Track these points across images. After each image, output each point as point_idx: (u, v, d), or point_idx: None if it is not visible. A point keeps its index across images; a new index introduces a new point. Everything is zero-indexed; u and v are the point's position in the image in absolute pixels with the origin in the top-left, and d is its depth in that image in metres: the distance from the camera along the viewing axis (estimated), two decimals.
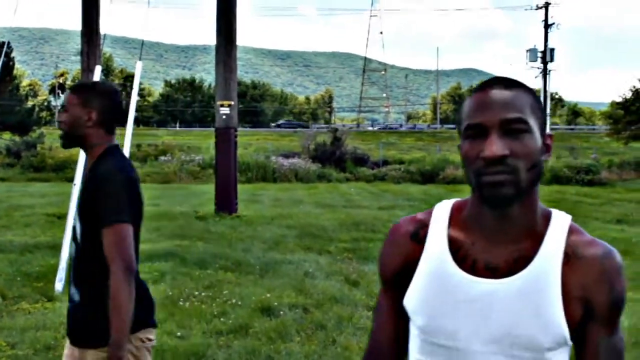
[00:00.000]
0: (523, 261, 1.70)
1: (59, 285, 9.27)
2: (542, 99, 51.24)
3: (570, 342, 1.70)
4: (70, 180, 14.18)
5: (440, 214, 1.84)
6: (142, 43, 18.60)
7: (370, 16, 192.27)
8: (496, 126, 1.65)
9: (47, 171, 36.28)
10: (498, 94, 1.69)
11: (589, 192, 29.24)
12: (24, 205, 20.43)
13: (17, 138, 45.32)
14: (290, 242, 13.78)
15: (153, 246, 12.62)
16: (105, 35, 18.75)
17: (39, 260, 11.23)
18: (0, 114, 44.81)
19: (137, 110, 12.53)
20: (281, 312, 8.11)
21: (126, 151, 12.31)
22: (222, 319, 7.82)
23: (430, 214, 1.87)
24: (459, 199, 1.89)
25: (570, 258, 1.70)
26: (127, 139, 12.44)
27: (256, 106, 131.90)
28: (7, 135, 47.23)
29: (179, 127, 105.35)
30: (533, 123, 1.68)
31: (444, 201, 1.88)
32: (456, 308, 1.73)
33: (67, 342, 3.26)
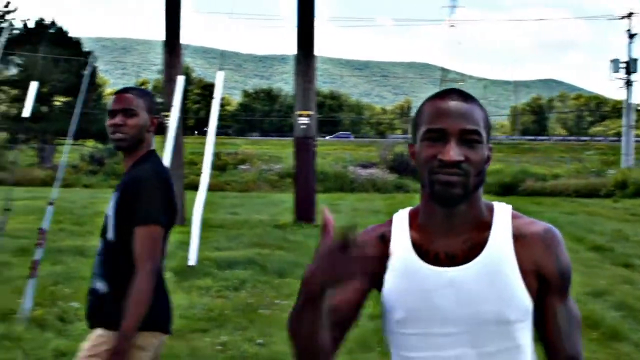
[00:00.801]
0: (478, 247, 1.93)
1: None
2: (625, 110, 50.21)
3: (531, 313, 1.93)
4: None
5: (400, 220, 2.08)
6: (222, 53, 18.84)
7: (449, 26, 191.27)
8: (456, 134, 1.88)
9: None
10: (459, 105, 1.93)
11: None
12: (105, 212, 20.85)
13: (100, 145, 46.36)
14: None
15: (233, 254, 12.76)
16: (187, 45, 19.08)
17: None
18: (84, 122, 45.96)
19: (217, 120, 12.69)
20: (360, 322, 8.08)
21: (207, 160, 12.52)
22: None
23: (390, 222, 2.11)
24: (412, 207, 2.11)
25: (518, 238, 1.94)
26: (208, 148, 12.64)
27: (334, 116, 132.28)
28: (90, 143, 48.36)
29: (258, 136, 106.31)
30: (484, 135, 1.94)
31: (400, 210, 2.12)
32: (427, 297, 1.92)
33: (92, 331, 3.42)
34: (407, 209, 2.11)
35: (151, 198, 3.27)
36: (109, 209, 3.35)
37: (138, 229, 3.23)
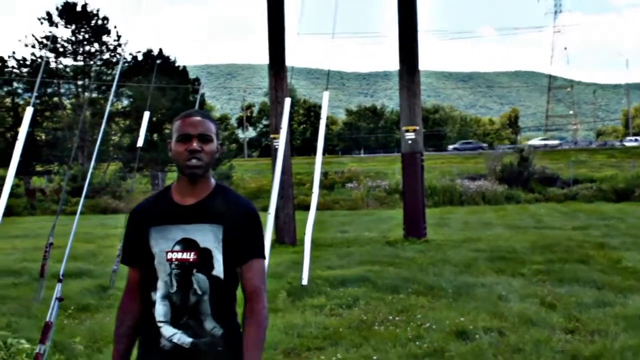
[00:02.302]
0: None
1: None
2: None
3: None
4: (262, 209, 14.62)
5: None
6: (329, 73, 19.04)
7: (554, 32, 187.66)
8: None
9: None
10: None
11: None
12: None
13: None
14: (481, 265, 13.61)
15: (344, 272, 12.83)
16: (292, 67, 19.34)
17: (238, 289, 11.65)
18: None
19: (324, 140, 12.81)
20: (477, 336, 8.02)
21: (316, 179, 12.65)
22: (417, 343, 7.83)
23: None
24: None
25: None
26: (317, 167, 12.77)
27: (439, 130, 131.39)
28: None
29: (363, 153, 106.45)
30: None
31: None
32: None
33: None
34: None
35: (261, 232, 3.22)
36: (209, 242, 3.11)
37: (257, 262, 3.17)
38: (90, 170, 11.45)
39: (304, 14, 18.82)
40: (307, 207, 12.58)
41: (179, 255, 3.08)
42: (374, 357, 7.35)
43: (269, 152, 17.71)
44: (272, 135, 18.60)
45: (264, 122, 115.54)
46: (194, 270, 3.08)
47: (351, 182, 40.72)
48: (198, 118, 3.18)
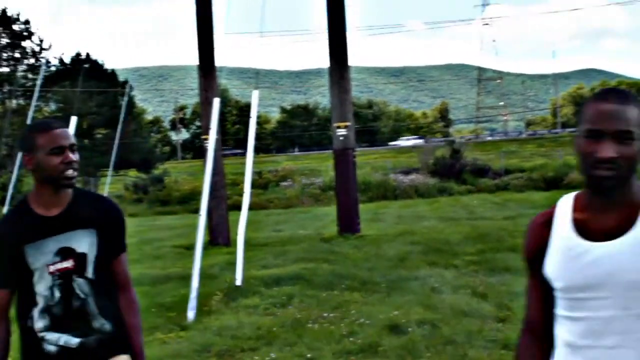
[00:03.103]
0: (630, 224, 2.26)
1: (191, 314, 9.51)
2: None
3: None
4: (196, 211, 14.53)
5: (564, 204, 2.43)
6: (258, 72, 18.96)
7: (482, 24, 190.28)
8: (611, 134, 2.20)
9: (173, 204, 37.35)
10: (616, 108, 2.23)
11: None
12: (153, 239, 21.08)
13: (143, 175, 46.88)
14: (415, 259, 13.71)
15: (279, 270, 12.80)
16: (221, 68, 19.24)
17: (170, 291, 11.57)
18: (125, 152, 46.50)
19: (256, 139, 12.76)
20: (409, 329, 8.07)
21: (247, 179, 12.59)
22: (351, 339, 7.85)
23: (556, 206, 2.46)
24: (578, 191, 2.44)
25: None
26: (248, 167, 12.72)
27: (372, 125, 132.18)
28: (132, 173, 48.91)
29: (298, 151, 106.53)
30: (637, 133, 2.22)
31: (566, 195, 2.47)
32: (584, 269, 2.28)
33: None
34: (573, 193, 2.46)
35: (126, 226, 3.44)
36: (84, 247, 3.18)
37: (123, 255, 3.39)
38: (14, 178, 11.25)
39: (232, 13, 18.76)
40: (241, 208, 12.50)
41: (60, 266, 3.11)
42: (308, 355, 7.35)
43: (203, 153, 17.60)
44: (203, 137, 18.45)
45: (197, 123, 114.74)
46: (74, 276, 3.15)
47: (285, 181, 40.69)
48: (65, 130, 3.17)
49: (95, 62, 55.99)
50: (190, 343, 8.12)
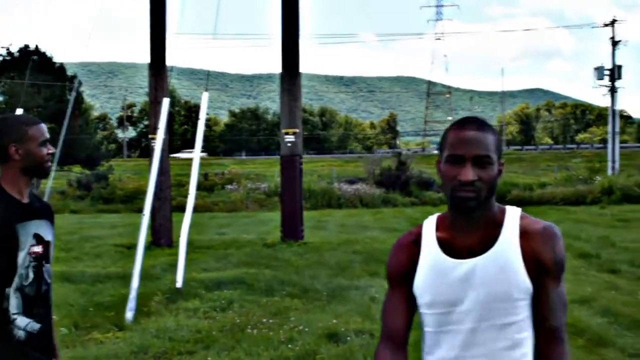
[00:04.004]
0: (491, 242, 2.44)
1: (129, 314, 9.44)
2: (610, 116, 50.40)
3: (531, 293, 2.42)
4: (139, 211, 14.42)
5: (429, 224, 2.59)
6: (208, 74, 18.89)
7: (435, 39, 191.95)
8: (471, 159, 2.38)
9: (116, 202, 36.94)
10: (476, 135, 2.41)
11: None
12: (94, 237, 20.85)
13: (87, 171, 46.29)
14: (356, 268, 13.78)
15: (220, 274, 12.77)
16: (172, 67, 19.12)
17: (109, 290, 11.46)
18: (71, 148, 45.86)
19: (203, 141, 12.72)
20: (348, 338, 8.12)
21: (193, 181, 12.53)
22: (289, 346, 7.87)
23: (421, 226, 2.61)
24: (440, 213, 2.62)
25: (523, 234, 2.44)
26: (194, 168, 12.66)
27: (319, 134, 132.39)
28: (77, 169, 48.28)
29: (245, 155, 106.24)
30: (494, 157, 2.42)
31: (430, 216, 2.64)
32: (451, 284, 2.44)
33: None
34: (436, 215, 2.63)
35: None
36: (49, 236, 3.39)
37: None
38: None
39: (186, 13, 18.65)
40: (185, 209, 12.43)
41: (35, 249, 3.28)
42: None
43: (149, 152, 17.50)
44: (150, 136, 18.32)
45: (145, 122, 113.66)
46: (44, 262, 3.32)
47: (231, 184, 40.53)
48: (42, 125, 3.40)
49: (43, 54, 55.17)
50: (127, 344, 8.05)
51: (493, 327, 2.41)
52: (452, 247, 2.48)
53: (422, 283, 2.50)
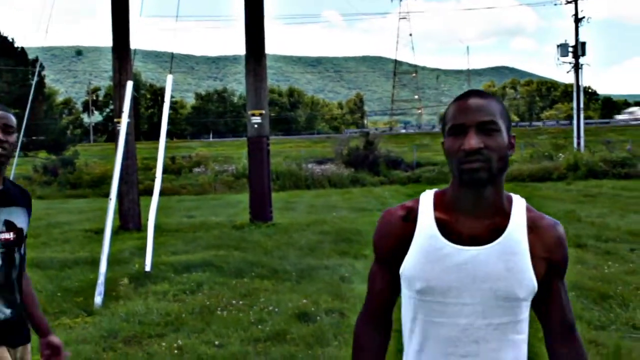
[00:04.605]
0: (497, 231, 2.21)
1: (98, 299, 9.39)
2: (575, 93, 50.79)
3: (534, 293, 2.23)
4: (107, 195, 14.33)
5: (426, 199, 2.33)
6: (172, 56, 18.77)
7: (400, 18, 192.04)
8: (474, 126, 2.14)
9: (83, 187, 36.68)
10: (475, 101, 2.19)
11: (627, 185, 28.93)
12: (62, 222, 20.70)
13: (52, 156, 45.86)
14: (325, 248, 13.81)
15: (190, 257, 12.74)
16: (135, 50, 18.96)
17: (78, 276, 11.39)
18: (35, 133, 45.31)
19: (170, 124, 12.65)
20: (318, 318, 8.14)
21: (159, 164, 12.48)
22: (259, 327, 7.88)
23: (417, 201, 2.35)
24: (437, 189, 2.37)
25: (532, 229, 2.24)
26: (160, 152, 12.60)
27: (288, 114, 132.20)
28: (42, 154, 47.82)
29: (212, 138, 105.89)
30: (502, 125, 2.18)
31: (427, 191, 2.37)
32: (448, 272, 2.20)
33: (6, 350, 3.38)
34: (433, 191, 2.37)
35: None
36: (22, 223, 3.35)
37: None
38: None
39: None
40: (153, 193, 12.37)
41: (5, 236, 3.24)
42: (216, 342, 7.34)
43: (116, 136, 17.35)
44: (116, 120, 18.18)
45: (111, 106, 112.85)
46: (15, 249, 3.30)
47: (199, 167, 40.41)
48: (3, 112, 3.32)
49: (4, 38, 54.44)
50: (96, 328, 8.02)
51: (490, 325, 2.20)
52: (452, 230, 2.23)
53: (413, 267, 2.25)
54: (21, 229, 3.33)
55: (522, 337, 2.26)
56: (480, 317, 2.20)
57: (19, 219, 3.33)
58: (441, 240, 2.22)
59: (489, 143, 2.13)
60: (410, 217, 2.30)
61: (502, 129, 2.17)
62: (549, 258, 2.24)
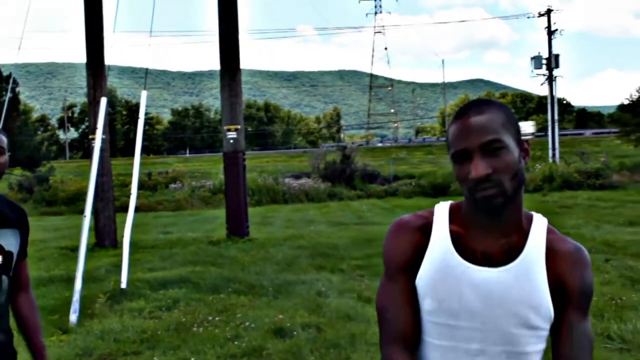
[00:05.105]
0: (514, 252, 2.05)
1: (73, 317, 9.32)
2: (549, 105, 51.17)
3: (551, 323, 2.06)
4: (82, 212, 14.25)
5: (441, 211, 2.16)
6: (147, 71, 18.74)
7: (375, 32, 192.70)
8: (477, 150, 1.95)
9: (59, 204, 36.41)
10: (474, 120, 1.98)
11: (601, 195, 29.14)
12: (37, 240, 20.51)
13: (27, 173, 45.57)
14: (302, 262, 13.79)
15: (166, 273, 12.67)
16: (109, 66, 18.90)
17: (53, 294, 11.30)
18: (10, 149, 45.01)
19: (146, 140, 12.59)
20: (295, 333, 8.12)
21: (134, 180, 12.43)
22: (235, 342, 7.85)
23: (431, 212, 2.18)
24: (453, 202, 2.20)
25: (550, 252, 2.07)
26: (135, 168, 12.55)
27: (264, 129, 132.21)
28: (17, 171, 47.49)
29: (189, 153, 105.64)
30: (507, 138, 1.98)
31: (442, 202, 2.20)
32: (460, 292, 2.05)
33: None
34: (448, 203, 2.20)
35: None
36: (11, 246, 3.24)
37: (26, 260, 3.45)
38: None
39: (122, 11, 18.41)
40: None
41: None
42: (192, 359, 7.30)
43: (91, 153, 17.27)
44: (91, 136, 18.08)
45: (87, 122, 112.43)
46: (1, 273, 3.17)
47: (175, 183, 40.26)
48: None
49: None
50: (71, 347, 7.95)
51: (504, 353, 2.04)
52: (466, 247, 2.07)
53: (426, 283, 2.09)
54: (10, 252, 3.21)
55: None
56: (491, 343, 2.04)
57: (8, 241, 3.22)
58: (456, 257, 2.07)
59: (496, 165, 1.95)
60: (425, 228, 2.15)
61: (509, 143, 1.98)
62: (563, 285, 2.06)
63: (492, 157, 1.95)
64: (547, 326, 2.06)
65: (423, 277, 2.09)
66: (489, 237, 2.06)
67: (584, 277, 2.07)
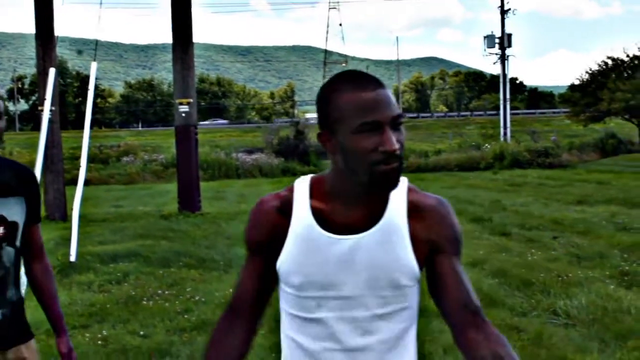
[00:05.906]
0: (375, 218, 2.05)
1: (21, 290, 9.20)
2: (501, 84, 51.56)
3: (419, 279, 2.09)
4: None
5: (301, 190, 2.13)
6: (97, 43, 18.49)
7: (330, 8, 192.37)
8: (388, 123, 1.93)
9: None
10: (383, 93, 1.95)
11: (551, 174, 29.57)
12: None
13: None
14: None
15: (116, 247, 12.57)
16: (59, 37, 18.62)
17: None
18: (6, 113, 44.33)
19: (98, 113, 12.44)
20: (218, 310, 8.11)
21: (84, 153, 12.29)
22: (185, 316, 7.84)
23: (291, 190, 2.16)
24: (314, 175, 2.18)
25: (413, 211, 2.08)
26: (85, 140, 12.41)
27: (218, 103, 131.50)
28: None
29: (141, 127, 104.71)
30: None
31: (302, 177, 2.18)
32: (326, 264, 2.04)
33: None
34: (309, 177, 2.17)
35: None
36: (14, 215, 3.07)
37: (38, 226, 3.26)
38: None
39: None
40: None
41: None
42: (141, 332, 7.28)
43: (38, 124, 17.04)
44: (40, 107, 17.81)
45: (37, 94, 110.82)
46: (4, 244, 3.04)
47: (127, 156, 39.90)
48: None
49: None
50: None
51: (374, 317, 2.05)
52: (329, 220, 2.06)
53: (290, 261, 2.08)
54: (14, 222, 3.07)
55: (410, 326, 2.13)
56: (364, 308, 2.05)
57: (11, 210, 3.07)
58: (317, 230, 2.06)
59: (401, 140, 1.96)
60: (284, 208, 2.12)
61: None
62: (431, 238, 2.07)
63: (398, 132, 1.96)
64: (414, 283, 2.08)
65: (286, 256, 2.09)
66: (350, 207, 2.05)
67: (452, 226, 2.10)
